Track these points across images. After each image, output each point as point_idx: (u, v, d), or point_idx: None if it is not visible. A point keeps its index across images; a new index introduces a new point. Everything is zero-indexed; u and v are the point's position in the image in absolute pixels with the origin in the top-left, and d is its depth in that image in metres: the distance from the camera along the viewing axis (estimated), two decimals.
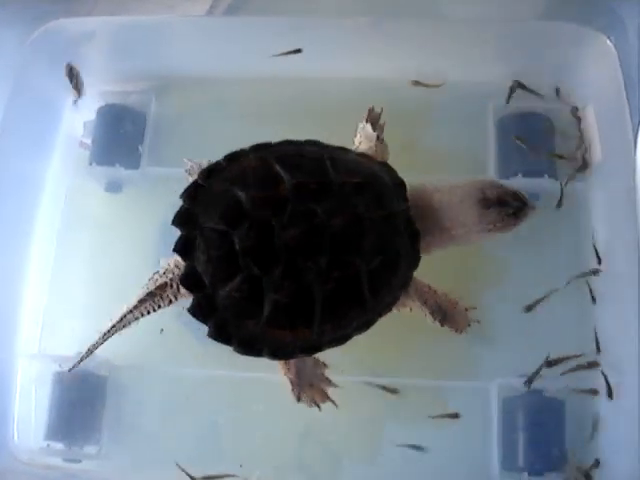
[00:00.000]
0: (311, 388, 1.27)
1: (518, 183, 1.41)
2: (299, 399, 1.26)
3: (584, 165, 1.44)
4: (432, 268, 1.32)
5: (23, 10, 1.46)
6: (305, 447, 1.33)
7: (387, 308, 1.16)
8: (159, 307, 1.22)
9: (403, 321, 1.33)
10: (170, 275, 1.19)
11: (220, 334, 1.12)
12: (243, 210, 1.12)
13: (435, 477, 1.31)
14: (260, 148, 1.21)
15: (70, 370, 1.24)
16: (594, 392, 1.30)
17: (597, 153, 1.43)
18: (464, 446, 1.31)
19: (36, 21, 1.48)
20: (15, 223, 1.47)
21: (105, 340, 1.22)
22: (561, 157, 1.44)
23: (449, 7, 1.50)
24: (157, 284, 1.20)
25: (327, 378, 1.29)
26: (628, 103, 1.35)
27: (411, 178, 1.42)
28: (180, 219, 1.16)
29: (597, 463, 1.26)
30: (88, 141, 1.54)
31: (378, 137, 1.33)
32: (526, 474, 1.27)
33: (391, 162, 1.44)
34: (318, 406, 1.27)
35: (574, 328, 1.35)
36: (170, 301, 1.21)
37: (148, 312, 1.23)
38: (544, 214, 1.40)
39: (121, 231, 1.47)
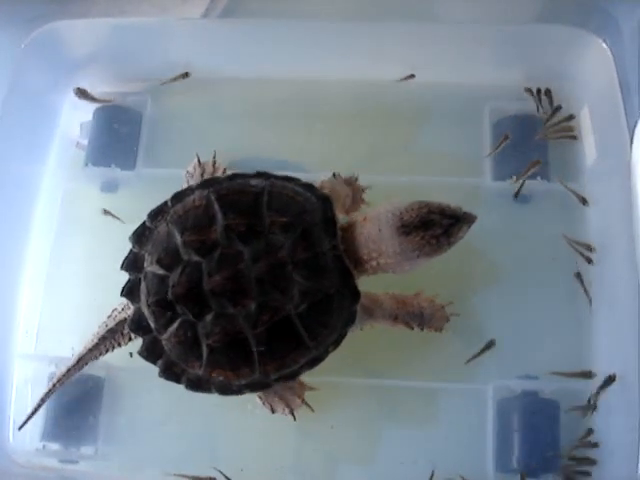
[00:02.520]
0: (281, 399, 1.27)
1: (512, 185, 1.43)
2: (273, 411, 1.28)
3: (579, 167, 1.44)
4: (427, 269, 1.32)
5: (19, 12, 1.46)
6: (302, 449, 1.33)
7: (335, 345, 1.15)
8: (119, 345, 1.26)
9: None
10: (128, 312, 1.22)
11: (168, 375, 1.17)
12: (179, 254, 1.14)
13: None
14: (207, 185, 1.22)
15: (20, 428, 1.28)
16: (589, 403, 1.30)
17: (592, 154, 1.44)
18: (459, 447, 1.31)
19: (32, 23, 1.48)
20: (11, 223, 1.47)
21: (61, 383, 1.27)
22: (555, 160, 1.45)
23: (445, 9, 1.50)
24: (116, 321, 1.24)
25: (301, 383, 1.27)
26: (623, 105, 1.36)
27: (407, 179, 1.44)
28: (127, 263, 1.21)
29: (592, 465, 1.26)
30: (84, 142, 1.54)
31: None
32: (521, 475, 1.26)
33: (388, 163, 1.45)
34: (293, 415, 1.27)
35: (571, 329, 1.35)
36: (130, 338, 1.24)
37: (107, 350, 1.26)
38: (540, 215, 1.42)
39: (117, 231, 1.47)
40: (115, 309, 1.25)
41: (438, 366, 1.35)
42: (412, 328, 1.24)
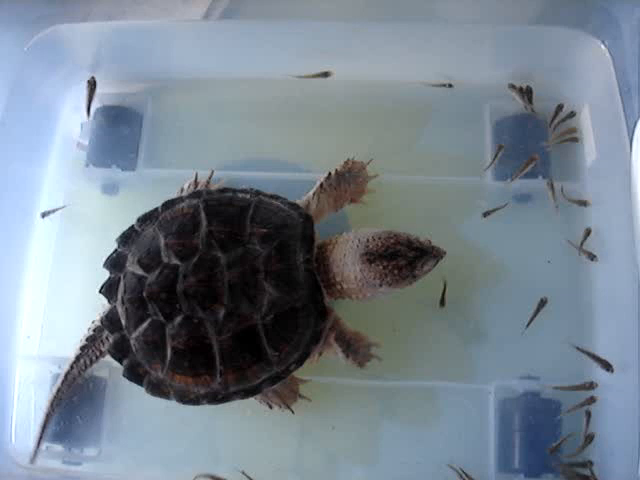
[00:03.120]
0: (276, 394, 1.27)
1: (513, 185, 1.43)
2: (270, 407, 1.28)
3: (580, 166, 1.45)
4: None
5: (22, 14, 1.47)
6: (303, 449, 1.33)
7: (298, 363, 1.16)
8: (100, 353, 1.28)
9: (401, 323, 1.34)
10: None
11: (132, 375, 1.19)
12: (159, 256, 1.17)
13: (432, 478, 1.31)
14: (197, 195, 1.25)
15: (32, 461, 1.31)
16: (590, 398, 1.31)
17: (592, 154, 1.44)
18: (461, 447, 1.31)
19: (34, 25, 1.49)
20: (13, 224, 1.48)
21: (55, 406, 1.31)
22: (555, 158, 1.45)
23: (446, 10, 1.50)
24: (95, 326, 1.27)
25: (293, 378, 1.27)
26: (623, 105, 1.36)
27: (408, 179, 1.44)
28: (110, 262, 1.24)
29: (592, 464, 1.26)
30: (85, 142, 1.54)
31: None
32: (522, 475, 1.28)
33: (389, 163, 1.45)
34: (290, 409, 1.28)
35: (572, 330, 1.35)
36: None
37: (91, 361, 1.29)
38: (541, 215, 1.42)
39: (118, 232, 1.46)
40: (94, 320, 1.28)
41: (439, 366, 1.35)
42: (342, 357, 1.22)
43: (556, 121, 1.46)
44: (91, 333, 1.27)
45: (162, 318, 1.13)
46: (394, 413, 1.31)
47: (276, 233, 1.16)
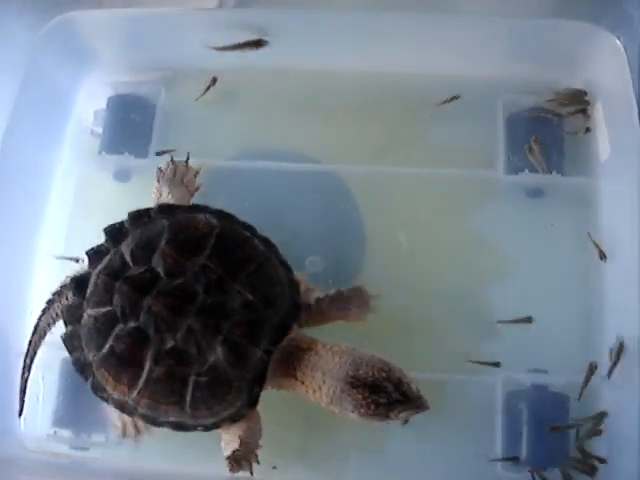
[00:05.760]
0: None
1: (525, 179, 1.43)
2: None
3: (592, 162, 1.45)
4: (438, 260, 1.33)
5: (35, 1, 1.47)
6: (308, 438, 1.33)
7: (207, 428, 1.14)
8: (57, 316, 1.27)
9: (408, 316, 1.34)
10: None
11: (68, 342, 1.19)
12: (151, 256, 1.15)
13: (438, 469, 1.31)
14: (218, 215, 1.22)
15: (19, 414, 1.30)
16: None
17: (605, 150, 1.44)
18: (467, 440, 1.31)
19: (48, 12, 1.49)
20: (25, 211, 1.48)
21: (30, 357, 1.30)
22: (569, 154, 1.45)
23: (461, 2, 1.50)
24: (64, 283, 1.26)
25: None
26: (636, 101, 1.36)
27: (420, 171, 1.44)
28: (110, 231, 1.23)
29: (601, 458, 1.26)
30: (98, 130, 1.55)
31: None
32: (529, 468, 1.27)
33: (401, 155, 1.46)
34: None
35: (582, 324, 1.36)
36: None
37: (57, 315, 1.27)
38: (553, 209, 1.43)
39: None
40: (68, 275, 1.25)
41: (447, 358, 1.35)
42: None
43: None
44: (59, 289, 1.26)
45: (119, 314, 1.12)
46: None
47: (259, 308, 1.12)
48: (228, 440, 1.18)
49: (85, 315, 1.16)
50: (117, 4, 1.53)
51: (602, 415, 1.28)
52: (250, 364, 1.10)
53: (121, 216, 1.41)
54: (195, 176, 1.40)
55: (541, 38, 1.50)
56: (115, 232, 1.22)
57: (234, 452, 1.15)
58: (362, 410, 1.05)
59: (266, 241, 1.21)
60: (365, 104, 1.52)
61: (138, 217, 1.23)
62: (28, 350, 1.29)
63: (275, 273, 1.18)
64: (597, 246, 1.37)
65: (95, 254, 1.21)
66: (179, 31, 1.57)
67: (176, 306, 1.09)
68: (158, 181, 1.38)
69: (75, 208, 1.50)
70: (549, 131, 1.47)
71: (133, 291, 1.11)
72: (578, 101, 1.48)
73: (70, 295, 1.21)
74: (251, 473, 1.17)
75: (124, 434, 1.31)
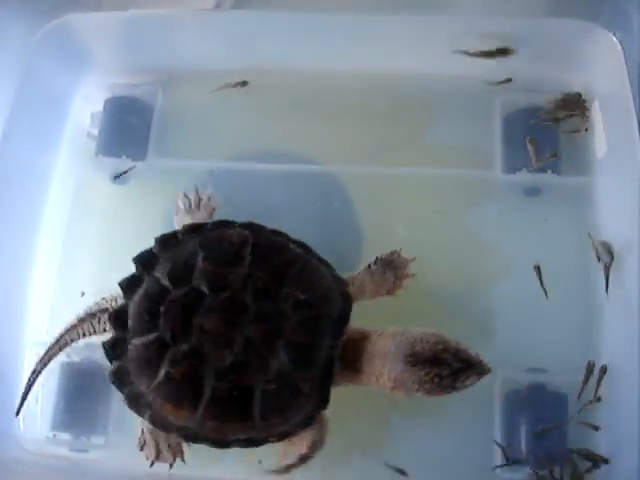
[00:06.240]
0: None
1: (522, 178, 1.43)
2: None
3: (589, 160, 1.45)
4: (435, 261, 1.33)
5: (33, 3, 1.47)
6: None
7: (280, 437, 1.12)
8: (94, 332, 1.25)
9: (405, 315, 1.34)
10: (114, 304, 1.22)
11: (116, 379, 1.14)
12: (191, 276, 1.13)
13: (437, 469, 1.31)
14: (249, 227, 1.21)
15: (17, 414, 1.28)
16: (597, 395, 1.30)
17: (602, 148, 1.44)
18: (466, 439, 1.31)
19: (46, 14, 1.49)
20: (23, 213, 1.48)
21: (43, 364, 1.27)
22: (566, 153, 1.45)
23: (455, 2, 1.50)
24: (100, 307, 1.24)
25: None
26: (633, 98, 1.36)
27: (418, 172, 1.45)
28: (140, 258, 1.20)
29: (600, 457, 1.25)
30: (95, 132, 1.55)
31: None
32: (528, 468, 1.27)
33: (399, 156, 1.46)
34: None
35: (581, 323, 1.35)
36: (104, 329, 1.23)
37: (84, 334, 1.25)
38: (550, 208, 1.42)
39: (126, 222, 1.48)
40: (104, 298, 1.25)
41: None
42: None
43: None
44: (94, 310, 1.24)
45: (169, 339, 1.10)
46: (399, 404, 1.31)
47: (313, 304, 1.12)
48: (296, 448, 1.16)
49: (131, 347, 1.13)
50: (114, 7, 1.53)
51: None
52: (317, 362, 1.10)
53: (118, 218, 1.42)
54: (209, 200, 1.40)
55: (538, 37, 1.50)
56: (145, 259, 1.19)
57: (302, 458, 1.15)
58: (427, 386, 1.06)
59: (301, 244, 1.21)
60: (362, 104, 1.52)
61: (166, 241, 1.20)
62: (43, 356, 1.27)
63: (319, 271, 1.18)
64: (595, 248, 1.37)
65: (129, 285, 1.17)
66: (176, 33, 1.57)
67: (229, 320, 1.09)
68: (177, 214, 1.39)
69: (72, 210, 1.50)
70: (546, 130, 1.46)
71: (181, 312, 1.10)
72: (577, 107, 1.48)
73: (106, 321, 1.19)
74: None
75: (158, 459, 1.26)
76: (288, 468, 1.16)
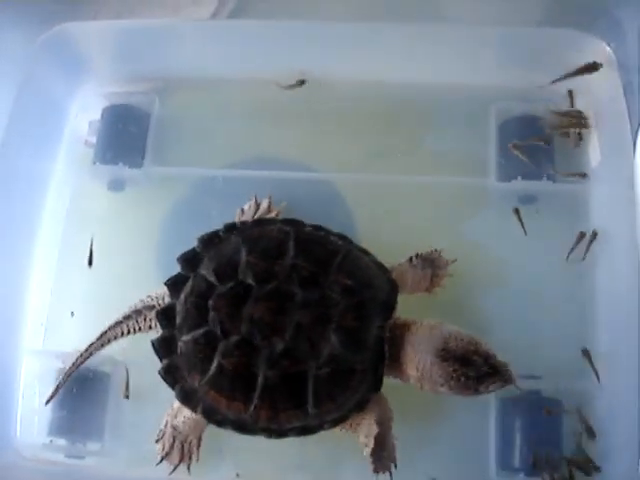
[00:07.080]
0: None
1: (517, 186, 1.44)
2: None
3: (584, 168, 1.45)
4: None
5: (31, 13, 1.48)
6: (305, 447, 1.32)
7: (334, 423, 1.13)
8: (139, 329, 1.26)
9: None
10: (160, 302, 1.23)
11: (167, 377, 1.16)
12: (236, 271, 1.15)
13: (433, 474, 1.30)
14: (290, 223, 1.24)
15: (47, 402, 1.31)
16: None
17: (597, 157, 1.45)
18: (461, 446, 1.32)
19: (44, 23, 1.50)
20: (20, 221, 1.48)
21: (84, 359, 1.29)
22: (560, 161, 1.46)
23: (452, 11, 1.51)
24: (145, 304, 1.25)
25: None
26: (627, 107, 1.37)
27: (413, 179, 1.45)
28: (184, 258, 1.22)
29: (594, 463, 1.26)
30: (92, 140, 1.55)
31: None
32: (523, 474, 1.27)
33: (394, 164, 1.46)
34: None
35: (575, 330, 1.36)
36: (150, 327, 1.24)
37: (129, 332, 1.27)
38: (545, 216, 1.43)
39: (123, 229, 1.48)
40: (150, 295, 1.26)
41: None
42: (362, 447, 1.18)
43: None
44: (140, 307, 1.25)
45: (219, 332, 1.12)
46: (395, 411, 1.31)
47: (359, 289, 1.14)
48: (366, 433, 1.17)
49: (180, 343, 1.15)
50: (111, 16, 1.54)
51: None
52: (368, 344, 1.11)
53: (115, 225, 1.42)
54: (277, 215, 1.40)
55: (532, 46, 1.51)
56: (189, 258, 1.21)
57: (375, 450, 1.16)
58: (452, 383, 1.08)
59: (342, 236, 1.24)
60: (358, 112, 1.53)
61: (209, 240, 1.23)
62: (85, 351, 1.28)
63: (362, 259, 1.21)
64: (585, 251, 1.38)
65: (174, 284, 1.20)
66: (173, 42, 1.58)
67: (278, 307, 1.11)
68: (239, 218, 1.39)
69: (69, 218, 1.50)
70: (541, 138, 1.46)
71: (229, 305, 1.12)
72: (571, 115, 1.48)
73: (153, 319, 1.21)
74: (390, 474, 1.19)
75: (167, 456, 1.26)
76: (374, 454, 1.16)
